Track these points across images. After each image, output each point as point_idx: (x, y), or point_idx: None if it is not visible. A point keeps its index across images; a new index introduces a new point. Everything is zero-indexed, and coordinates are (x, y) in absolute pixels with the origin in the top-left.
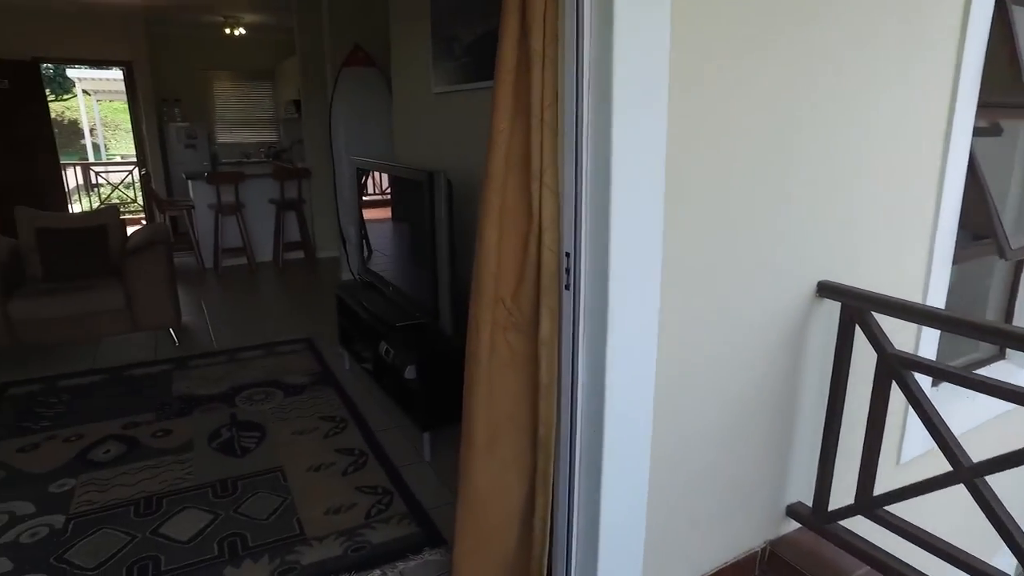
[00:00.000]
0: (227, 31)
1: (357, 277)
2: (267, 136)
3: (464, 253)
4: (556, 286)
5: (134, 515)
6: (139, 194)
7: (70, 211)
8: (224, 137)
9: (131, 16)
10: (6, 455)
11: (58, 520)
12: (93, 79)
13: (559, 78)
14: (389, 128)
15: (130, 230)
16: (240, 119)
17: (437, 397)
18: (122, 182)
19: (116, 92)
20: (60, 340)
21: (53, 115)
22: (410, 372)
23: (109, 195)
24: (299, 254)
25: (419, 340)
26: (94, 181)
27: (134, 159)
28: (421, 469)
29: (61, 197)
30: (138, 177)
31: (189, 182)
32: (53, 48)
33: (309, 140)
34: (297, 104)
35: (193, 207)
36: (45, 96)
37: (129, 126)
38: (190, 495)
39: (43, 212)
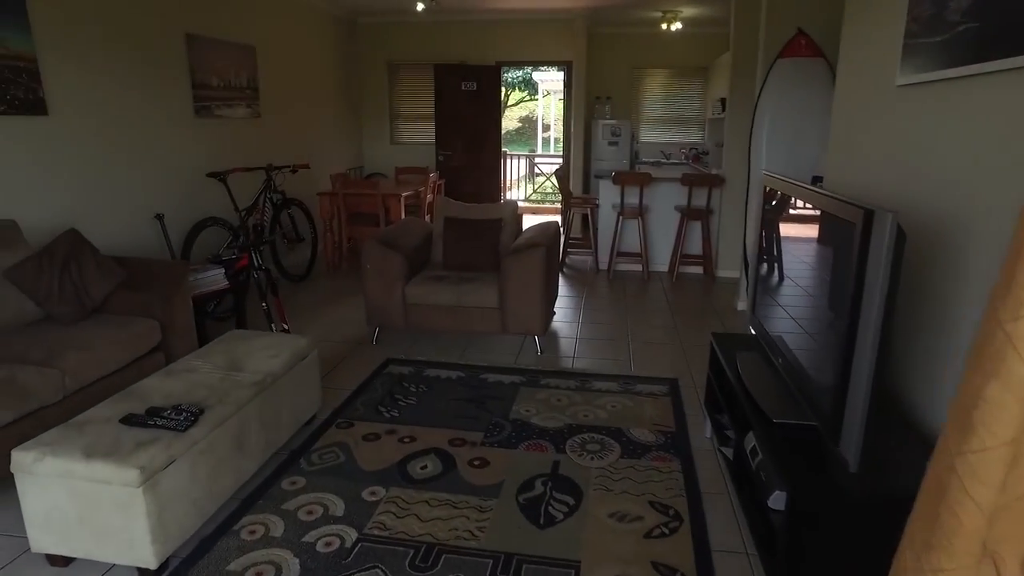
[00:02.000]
0: (663, 27)
1: (750, 321)
2: (691, 137)
3: (903, 346)
4: None
5: (409, 564)
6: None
7: (504, 199)
8: (647, 136)
9: (575, 18)
10: (355, 438)
11: (351, 536)
12: (551, 80)
13: None
14: (827, 135)
15: (527, 224)
16: (665, 118)
17: (813, 557)
18: (553, 173)
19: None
20: (440, 329)
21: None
22: (776, 501)
23: (541, 184)
24: (697, 269)
25: (802, 455)
26: (535, 171)
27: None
28: None
29: (497, 184)
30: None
31: (597, 180)
32: (513, 52)
33: (730, 143)
34: (724, 102)
35: (597, 205)
36: (500, 95)
37: None
38: (469, 561)
39: (454, 202)
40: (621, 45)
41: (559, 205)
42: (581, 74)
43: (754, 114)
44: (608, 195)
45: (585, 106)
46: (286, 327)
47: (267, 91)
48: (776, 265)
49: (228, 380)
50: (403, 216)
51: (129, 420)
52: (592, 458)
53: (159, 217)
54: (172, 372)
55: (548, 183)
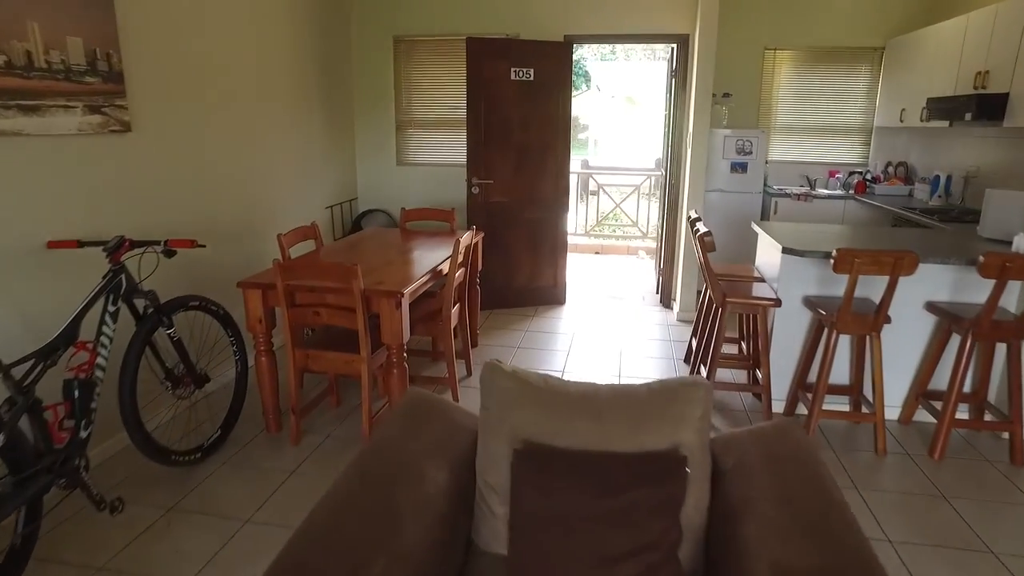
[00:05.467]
0: None
1: None
2: (846, 153)
3: None
4: None
5: None
6: None
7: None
8: (778, 151)
9: None
10: None
11: None
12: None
13: None
14: None
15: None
16: (809, 126)
17: None
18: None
19: None
20: None
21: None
22: None
23: (609, 213)
24: (959, 414)
25: None
26: (589, 189)
27: None
28: None
29: (560, 236)
30: None
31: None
32: (590, 23)
33: None
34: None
35: (778, 304)
36: (570, 89)
37: None
38: None
39: (531, 410)
40: (749, 14)
41: (634, 243)
42: (707, 54)
43: None
44: (795, 279)
45: (695, 106)
46: None
47: (147, 78)
48: None
49: None
50: (405, 338)
51: None
52: None
53: None
54: None
55: (618, 212)
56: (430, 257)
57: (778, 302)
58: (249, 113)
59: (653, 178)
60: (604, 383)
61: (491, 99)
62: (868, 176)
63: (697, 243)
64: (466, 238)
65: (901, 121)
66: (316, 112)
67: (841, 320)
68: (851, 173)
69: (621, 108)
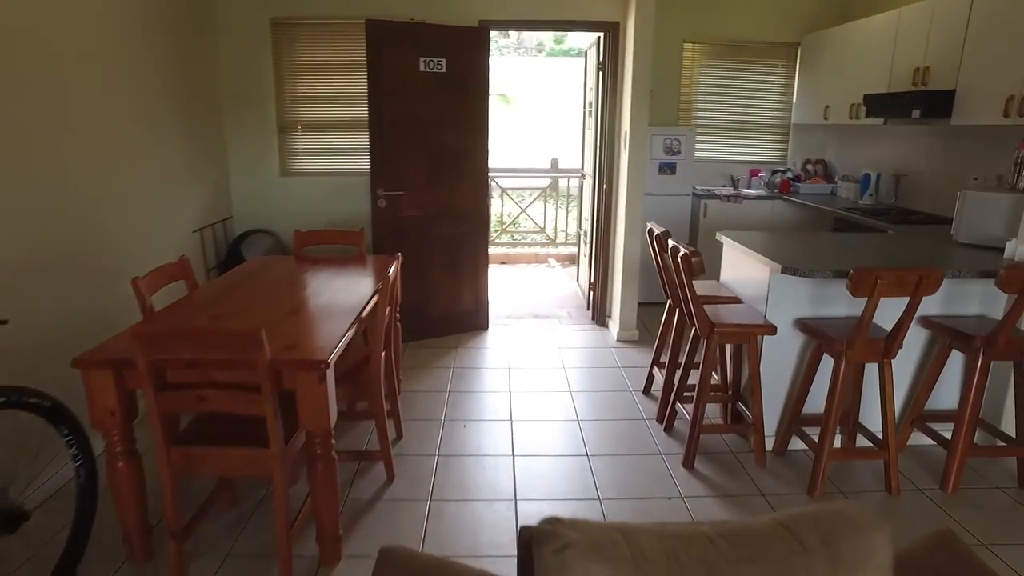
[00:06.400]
0: None
1: None
2: (764, 151)
3: None
4: None
5: None
6: None
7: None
8: (701, 151)
9: None
10: None
11: None
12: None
13: None
14: None
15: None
16: (728, 124)
17: None
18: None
19: None
20: None
21: None
22: None
23: (513, 220)
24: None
25: None
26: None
27: None
28: None
29: (482, 249)
30: None
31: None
32: (507, 7)
33: None
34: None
35: (771, 329)
36: (487, 80)
37: None
38: None
39: None
40: (667, 6)
41: (541, 249)
42: (644, 42)
43: None
44: (787, 300)
45: (631, 101)
46: None
47: None
48: None
49: None
50: (332, 420)
51: None
52: None
53: None
54: None
55: (519, 215)
56: (347, 298)
57: (772, 328)
58: (88, 112)
59: (564, 181)
60: (700, 524)
61: (397, 95)
62: (789, 174)
63: (678, 265)
64: (393, 270)
65: (825, 118)
66: (175, 113)
67: (858, 349)
68: (774, 172)
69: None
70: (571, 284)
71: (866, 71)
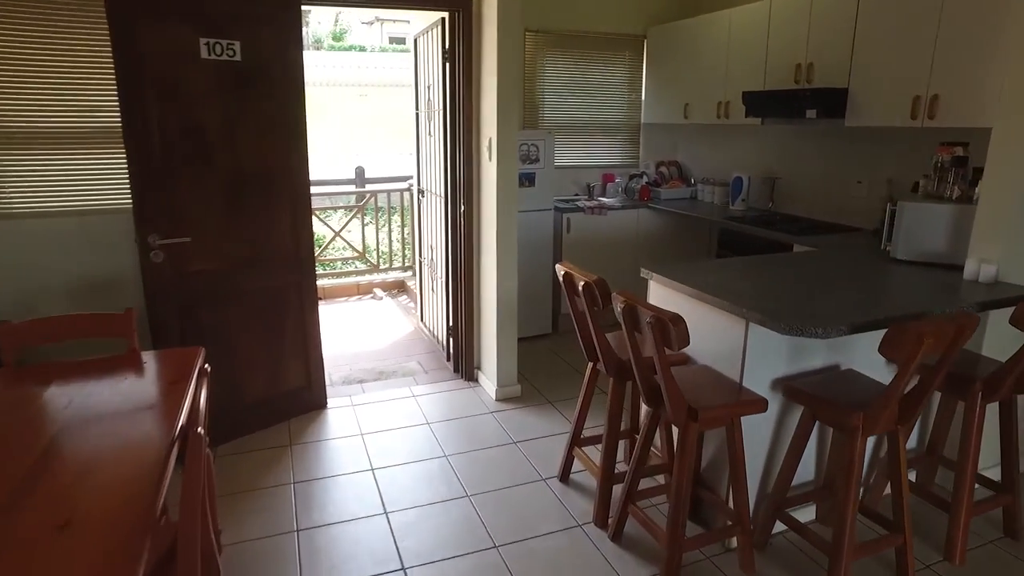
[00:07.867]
0: None
1: None
2: (613, 154)
3: None
4: None
5: None
6: None
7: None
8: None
9: None
10: None
11: None
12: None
13: None
14: None
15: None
16: (580, 124)
17: None
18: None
19: None
20: None
21: None
22: None
23: (327, 244)
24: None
25: None
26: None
27: None
28: None
29: (310, 319)
30: None
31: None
32: None
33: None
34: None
35: (761, 405)
36: (301, 71)
37: None
38: None
39: None
40: None
41: (362, 278)
42: (510, 24)
43: None
44: (764, 359)
45: (499, 99)
46: None
47: None
48: None
49: None
50: None
51: None
52: None
53: None
54: None
55: (332, 239)
56: (124, 447)
57: (762, 404)
58: None
59: (380, 195)
60: None
61: (168, 94)
62: (646, 179)
63: (652, 335)
64: (194, 384)
65: (686, 117)
66: None
67: (882, 420)
68: (631, 176)
69: None
70: (408, 320)
71: (733, 67)
